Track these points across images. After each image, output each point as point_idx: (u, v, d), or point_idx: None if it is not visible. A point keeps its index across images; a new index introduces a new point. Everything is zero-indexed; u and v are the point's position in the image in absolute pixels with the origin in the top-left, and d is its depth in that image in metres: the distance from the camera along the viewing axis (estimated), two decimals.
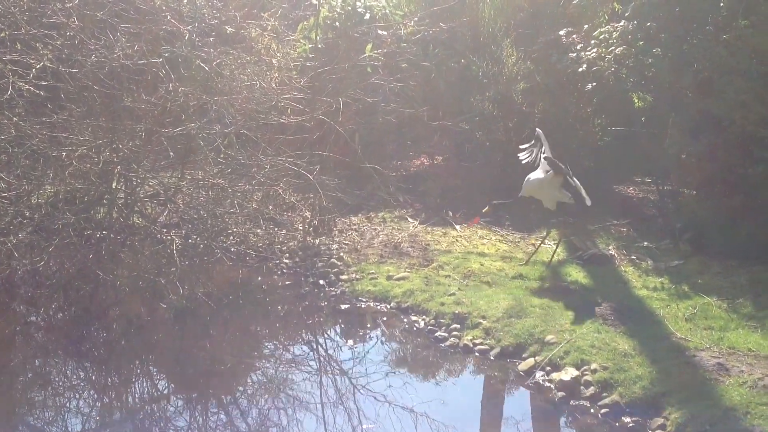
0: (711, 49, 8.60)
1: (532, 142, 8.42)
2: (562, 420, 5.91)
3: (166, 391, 6.72)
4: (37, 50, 7.53)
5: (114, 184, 7.88)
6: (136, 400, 6.45)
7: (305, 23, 11.57)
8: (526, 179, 8.12)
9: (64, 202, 7.62)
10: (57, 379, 6.73)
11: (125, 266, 7.65)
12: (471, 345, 6.84)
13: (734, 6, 8.68)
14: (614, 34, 9.50)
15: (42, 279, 7.51)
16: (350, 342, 7.55)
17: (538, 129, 8.41)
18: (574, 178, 7.66)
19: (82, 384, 6.68)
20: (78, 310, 7.51)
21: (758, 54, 8.25)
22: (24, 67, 7.42)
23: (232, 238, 8.51)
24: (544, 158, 7.96)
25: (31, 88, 7.31)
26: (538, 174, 8.09)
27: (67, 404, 6.22)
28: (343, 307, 7.91)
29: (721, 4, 8.85)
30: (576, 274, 8.01)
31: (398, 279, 8.10)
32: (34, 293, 7.50)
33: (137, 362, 7.08)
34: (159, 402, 6.45)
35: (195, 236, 8.06)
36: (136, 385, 6.78)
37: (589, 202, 7.56)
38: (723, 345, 6.21)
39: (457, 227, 9.74)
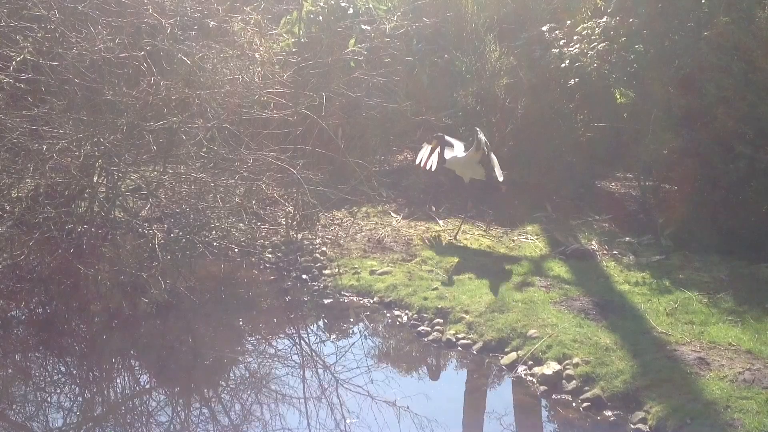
0: (693, 46, 8.66)
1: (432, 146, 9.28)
2: (544, 414, 5.93)
3: (147, 386, 6.70)
4: (18, 43, 7.47)
5: (95, 178, 7.82)
6: (118, 395, 6.43)
7: (288, 17, 11.52)
8: (453, 156, 9.00)
9: (44, 195, 7.55)
10: (37, 374, 6.68)
11: (106, 260, 7.59)
12: (454, 339, 6.85)
13: (715, 3, 8.75)
14: (597, 30, 9.55)
15: (22, 273, 7.44)
16: (333, 336, 7.55)
17: (440, 134, 9.26)
18: (492, 155, 8.74)
19: (63, 379, 6.63)
20: (59, 304, 7.46)
21: (739, 51, 8.31)
22: (4, 59, 7.36)
23: (214, 232, 8.46)
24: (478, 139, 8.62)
25: (11, 81, 7.25)
26: (460, 152, 9.04)
27: (48, 399, 6.17)
28: (325, 301, 7.90)
29: (703, 1, 8.92)
30: (558, 269, 8.04)
31: (381, 274, 8.10)
32: (15, 287, 7.42)
33: (119, 357, 7.04)
34: (141, 397, 6.43)
35: (177, 230, 8.01)
36: (118, 380, 6.76)
37: (501, 178, 8.75)
38: (704, 339, 6.26)
39: (440, 222, 9.75)
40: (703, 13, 8.92)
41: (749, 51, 8.21)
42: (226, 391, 6.52)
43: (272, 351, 7.33)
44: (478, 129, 8.74)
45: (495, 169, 8.74)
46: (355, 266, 8.35)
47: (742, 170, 8.12)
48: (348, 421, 5.88)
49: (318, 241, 9.11)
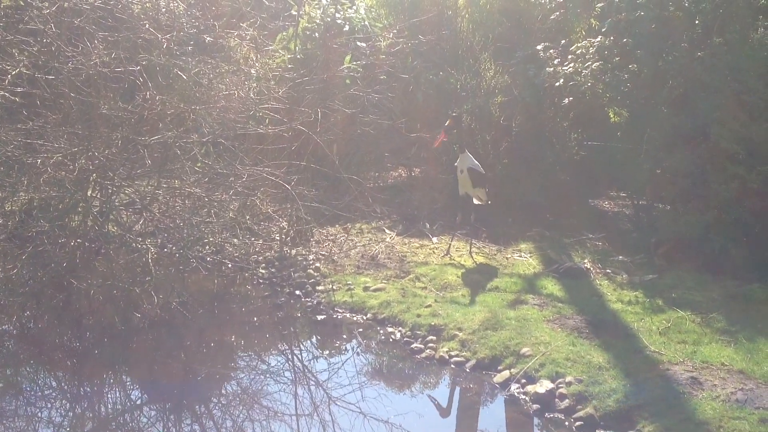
0: (686, 66, 8.72)
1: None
2: None
3: (139, 402, 6.66)
4: (13, 56, 7.50)
5: (89, 192, 7.82)
6: (109, 410, 6.39)
7: (284, 34, 11.57)
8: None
9: (38, 209, 7.56)
10: (29, 388, 6.64)
11: (99, 275, 7.58)
12: (447, 357, 6.84)
13: (709, 24, 8.83)
14: (591, 50, 9.60)
15: (15, 287, 7.42)
16: (326, 353, 7.53)
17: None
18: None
19: (54, 394, 6.60)
20: (51, 318, 7.44)
21: (732, 71, 8.37)
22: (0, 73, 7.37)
23: (208, 247, 8.47)
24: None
25: (7, 95, 7.26)
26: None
27: (39, 414, 6.13)
28: (319, 317, 7.89)
29: (696, 22, 8.99)
30: (551, 287, 8.04)
31: (375, 290, 8.10)
32: (7, 301, 7.39)
33: (111, 372, 7.00)
34: (132, 413, 6.39)
35: (171, 245, 8.01)
36: (110, 396, 6.72)
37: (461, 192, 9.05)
38: (696, 359, 6.26)
39: (434, 239, 9.75)
40: (696, 34, 8.99)
41: (742, 72, 8.27)
42: (218, 408, 6.48)
43: (265, 367, 7.31)
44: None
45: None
46: (349, 282, 8.35)
47: (734, 190, 8.15)
48: None
49: (312, 257, 9.10)
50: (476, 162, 8.89)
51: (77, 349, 7.40)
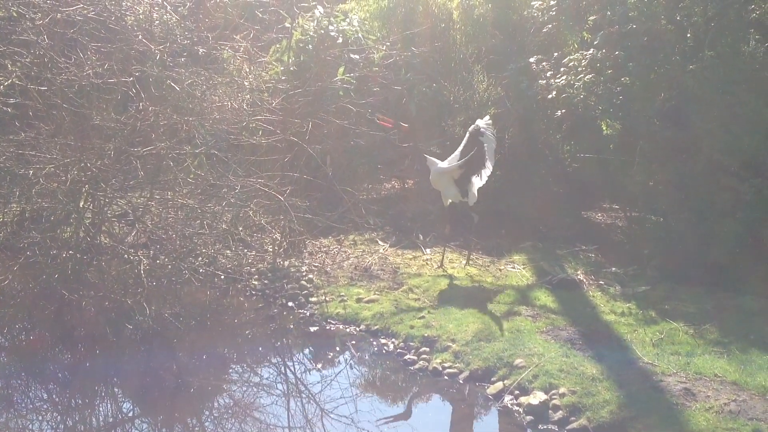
0: (678, 79, 8.76)
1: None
2: None
3: (131, 414, 6.63)
4: (6, 67, 7.48)
5: (81, 203, 7.79)
6: (101, 422, 6.35)
7: (278, 46, 11.58)
8: (439, 167, 8.81)
9: (30, 220, 7.54)
10: (19, 400, 6.60)
11: (91, 286, 7.54)
12: (440, 368, 6.83)
13: (700, 37, 8.87)
14: (583, 62, 9.63)
15: (6, 298, 7.39)
16: (319, 365, 7.51)
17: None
18: (475, 179, 8.67)
19: (45, 406, 6.56)
20: (42, 330, 7.40)
21: (724, 84, 8.41)
22: None
23: (200, 259, 8.43)
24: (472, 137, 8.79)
25: None
26: (444, 164, 8.82)
27: (30, 427, 6.10)
28: (312, 329, 7.87)
29: (688, 35, 9.03)
30: (545, 299, 8.04)
31: (368, 301, 8.09)
32: None
33: (102, 384, 6.97)
34: (124, 425, 6.36)
35: (163, 256, 7.98)
36: (101, 408, 6.69)
37: (472, 202, 8.72)
38: (689, 370, 6.26)
39: (427, 251, 9.75)
40: (688, 47, 9.03)
41: (734, 84, 8.31)
42: (210, 420, 6.45)
43: (257, 379, 7.28)
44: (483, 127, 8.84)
45: (469, 192, 8.73)
46: (342, 294, 8.33)
47: (727, 202, 8.18)
48: None
49: (305, 268, 9.08)
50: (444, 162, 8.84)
51: (69, 361, 7.36)
